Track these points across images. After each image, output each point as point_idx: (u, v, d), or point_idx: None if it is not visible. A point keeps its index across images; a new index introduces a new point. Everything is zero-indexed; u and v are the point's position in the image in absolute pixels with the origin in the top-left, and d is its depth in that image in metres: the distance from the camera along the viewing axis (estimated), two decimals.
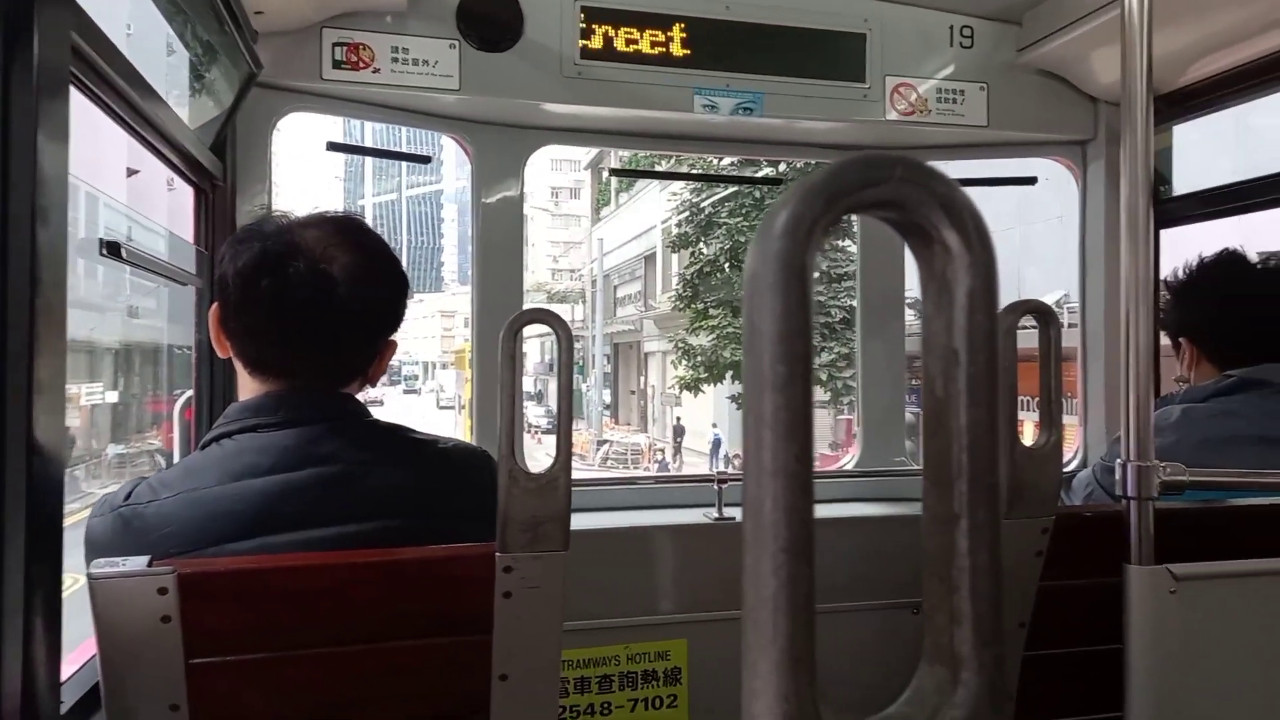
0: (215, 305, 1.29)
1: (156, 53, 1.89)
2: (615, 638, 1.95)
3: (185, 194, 2.04)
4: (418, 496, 1.26)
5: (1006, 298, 1.24)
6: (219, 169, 2.01)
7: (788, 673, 0.32)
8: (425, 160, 2.69)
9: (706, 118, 2.36)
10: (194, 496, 1.15)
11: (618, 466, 24.33)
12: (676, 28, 2.29)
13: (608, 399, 33.11)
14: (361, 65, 2.12)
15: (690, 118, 2.37)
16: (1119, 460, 1.24)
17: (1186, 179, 2.61)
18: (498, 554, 1.09)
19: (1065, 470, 2.56)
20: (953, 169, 2.90)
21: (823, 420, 20.67)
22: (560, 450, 1.13)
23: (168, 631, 1.00)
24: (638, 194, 29.92)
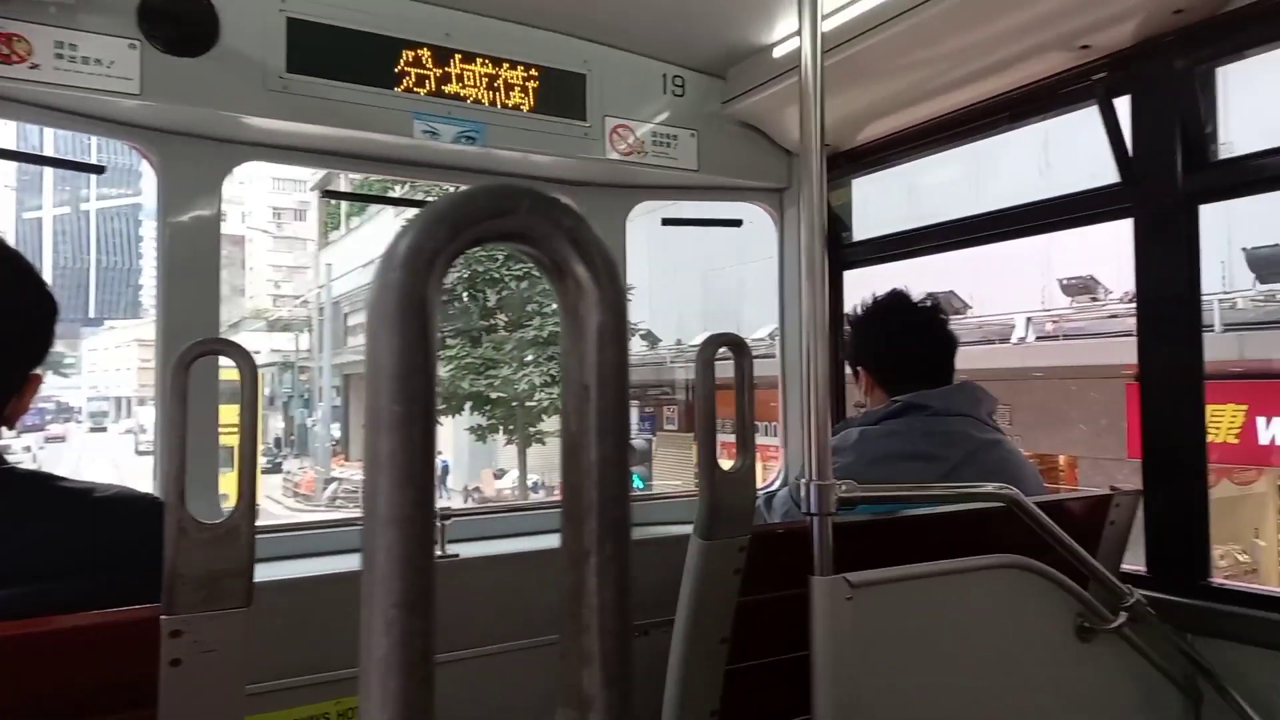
0: None
1: None
2: (325, 693, 1.80)
3: None
4: (85, 554, 1.09)
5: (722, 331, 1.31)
6: None
7: None
8: (98, 170, 2.37)
9: (429, 144, 2.31)
10: None
11: (348, 506, 22.90)
12: (392, 49, 2.22)
13: (337, 433, 31.19)
14: (15, 59, 1.84)
15: (412, 143, 2.30)
16: (802, 479, 1.35)
17: (874, 227, 2.94)
18: (163, 617, 0.96)
19: (769, 489, 2.77)
20: (672, 209, 3.08)
21: None
22: (242, 495, 1.02)
23: None
24: (370, 218, 28.71)
